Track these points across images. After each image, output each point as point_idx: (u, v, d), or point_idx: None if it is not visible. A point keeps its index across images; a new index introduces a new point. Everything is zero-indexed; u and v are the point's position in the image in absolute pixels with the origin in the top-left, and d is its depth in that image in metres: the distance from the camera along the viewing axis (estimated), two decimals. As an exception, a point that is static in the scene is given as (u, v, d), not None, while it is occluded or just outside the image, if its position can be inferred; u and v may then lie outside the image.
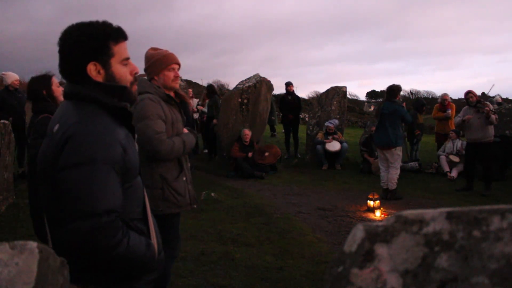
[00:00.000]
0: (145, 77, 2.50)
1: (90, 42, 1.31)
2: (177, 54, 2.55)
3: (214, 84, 14.33)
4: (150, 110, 2.35)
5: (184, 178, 2.49)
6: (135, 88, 1.45)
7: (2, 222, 4.56)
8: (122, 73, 1.39)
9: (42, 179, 1.34)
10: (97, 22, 1.36)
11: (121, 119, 1.38)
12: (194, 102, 10.31)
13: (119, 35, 1.37)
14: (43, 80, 3.28)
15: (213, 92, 10.02)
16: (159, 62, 2.46)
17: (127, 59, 1.41)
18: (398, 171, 6.32)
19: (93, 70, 1.33)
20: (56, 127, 1.30)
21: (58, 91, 3.31)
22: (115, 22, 1.39)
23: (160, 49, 2.50)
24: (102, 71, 1.35)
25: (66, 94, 1.39)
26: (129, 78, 1.42)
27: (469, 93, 6.71)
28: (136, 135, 2.39)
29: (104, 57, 1.34)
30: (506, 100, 13.30)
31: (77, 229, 1.20)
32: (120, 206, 1.28)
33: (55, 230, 1.29)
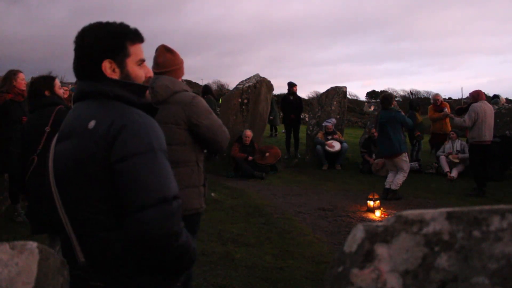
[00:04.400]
0: (167, 77, 2.40)
1: (107, 40, 1.32)
2: (184, 55, 2.54)
3: (213, 84, 14.32)
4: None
5: None
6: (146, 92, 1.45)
7: (2, 222, 4.56)
8: (138, 74, 1.38)
9: (72, 181, 1.27)
10: (114, 23, 1.37)
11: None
12: None
13: (136, 36, 1.38)
14: (47, 81, 3.27)
15: (206, 92, 9.98)
16: (183, 67, 2.49)
17: (143, 60, 1.41)
18: (406, 175, 6.35)
19: (108, 68, 1.32)
20: (93, 123, 1.25)
21: (60, 92, 3.32)
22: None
23: (174, 50, 2.47)
24: (117, 70, 1.34)
25: (84, 92, 1.35)
26: (143, 79, 1.42)
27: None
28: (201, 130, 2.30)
29: (120, 56, 1.34)
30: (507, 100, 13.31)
31: (149, 218, 1.16)
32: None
33: (102, 233, 1.24)
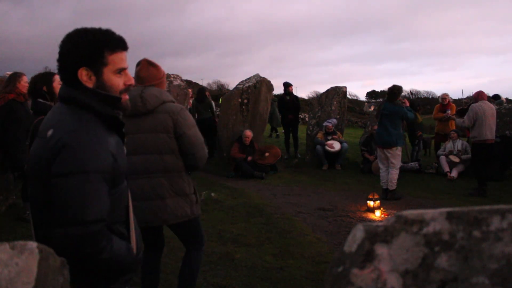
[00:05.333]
0: (154, 87, 2.45)
1: (85, 48, 1.34)
2: (184, 55, 2.61)
3: (213, 84, 14.24)
4: (193, 120, 2.45)
5: None
6: (125, 97, 1.45)
7: (2, 222, 4.56)
8: (114, 83, 1.40)
9: (32, 179, 1.37)
10: (98, 30, 1.38)
11: (113, 127, 1.42)
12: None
13: (117, 45, 1.39)
14: (45, 77, 3.35)
15: (203, 95, 9.86)
16: (165, 80, 2.53)
17: (123, 69, 1.42)
18: (398, 171, 6.35)
19: (84, 75, 1.35)
20: (50, 132, 1.32)
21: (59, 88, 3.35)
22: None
23: (157, 64, 2.50)
24: (93, 78, 1.37)
25: (60, 97, 1.41)
26: (121, 87, 1.42)
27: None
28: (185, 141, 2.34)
29: (96, 64, 1.36)
30: (507, 100, 13.32)
31: (65, 235, 1.25)
32: (107, 215, 1.33)
33: (41, 231, 1.34)
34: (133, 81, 1.47)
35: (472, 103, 6.70)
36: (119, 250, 1.36)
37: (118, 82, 1.41)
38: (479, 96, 6.65)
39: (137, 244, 1.54)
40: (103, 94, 1.38)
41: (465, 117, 6.54)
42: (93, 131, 1.33)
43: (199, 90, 10.27)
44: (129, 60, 1.45)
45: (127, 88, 1.45)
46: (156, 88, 2.41)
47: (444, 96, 9.24)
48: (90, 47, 1.34)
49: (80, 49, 1.34)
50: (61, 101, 1.41)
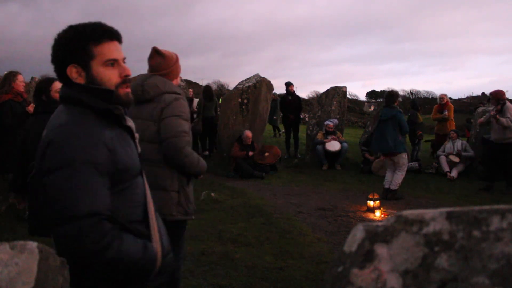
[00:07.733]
0: (160, 77, 2.36)
1: (68, 44, 1.32)
2: (187, 55, 2.55)
3: (213, 84, 14.25)
4: (184, 111, 2.33)
5: (192, 186, 2.44)
6: (124, 90, 1.39)
7: (2, 222, 4.56)
8: (104, 75, 1.34)
9: (34, 179, 1.39)
10: (84, 24, 1.34)
11: (112, 120, 1.36)
12: (195, 102, 10.28)
13: (102, 35, 1.34)
14: (44, 84, 3.32)
15: (212, 94, 9.94)
16: (179, 67, 2.45)
17: (114, 60, 1.35)
18: (404, 174, 6.34)
19: (74, 73, 1.33)
20: (44, 132, 1.33)
21: (57, 96, 3.34)
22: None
23: (165, 52, 2.43)
24: (83, 73, 1.34)
25: (59, 98, 1.41)
26: (115, 80, 1.36)
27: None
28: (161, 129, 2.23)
29: (83, 59, 1.32)
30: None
31: (63, 234, 1.19)
32: (105, 208, 1.24)
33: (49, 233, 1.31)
34: (129, 72, 1.40)
35: (502, 103, 6.49)
36: (131, 249, 1.27)
37: (109, 74, 1.35)
38: (504, 95, 6.55)
39: (163, 245, 1.43)
40: (93, 88, 1.33)
41: (510, 116, 6.34)
42: (83, 122, 1.29)
43: (207, 88, 10.30)
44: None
45: (124, 80, 1.38)
46: (160, 78, 2.34)
47: (442, 96, 9.28)
48: (73, 42, 1.31)
49: (65, 46, 1.32)
50: (61, 102, 1.40)
